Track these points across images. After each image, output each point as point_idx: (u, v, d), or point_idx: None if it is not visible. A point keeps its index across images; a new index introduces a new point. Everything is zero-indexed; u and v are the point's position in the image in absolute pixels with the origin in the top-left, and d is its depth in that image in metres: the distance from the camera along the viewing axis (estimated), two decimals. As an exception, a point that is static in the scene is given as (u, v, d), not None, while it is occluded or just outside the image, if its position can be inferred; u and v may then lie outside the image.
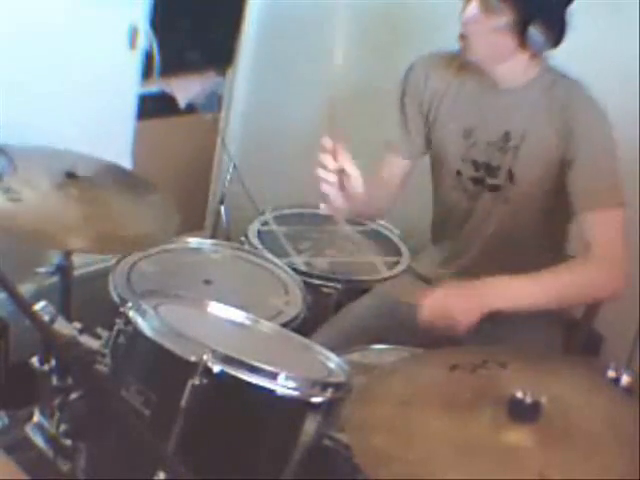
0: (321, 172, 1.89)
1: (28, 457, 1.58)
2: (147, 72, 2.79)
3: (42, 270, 2.13)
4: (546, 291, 1.84)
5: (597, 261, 1.84)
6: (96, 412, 1.49)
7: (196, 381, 1.43)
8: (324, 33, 3.00)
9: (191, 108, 3.09)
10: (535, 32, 1.83)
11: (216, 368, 1.43)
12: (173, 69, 2.92)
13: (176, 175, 3.03)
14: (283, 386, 1.47)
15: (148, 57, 2.76)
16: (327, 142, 1.90)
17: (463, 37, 1.88)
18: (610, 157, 1.88)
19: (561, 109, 1.88)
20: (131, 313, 1.57)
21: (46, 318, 1.55)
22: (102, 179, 2.11)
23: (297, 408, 1.50)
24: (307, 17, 3.03)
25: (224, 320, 1.77)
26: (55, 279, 2.14)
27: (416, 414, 1.37)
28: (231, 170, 3.10)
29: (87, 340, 1.60)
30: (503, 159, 1.95)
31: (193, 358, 1.45)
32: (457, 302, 1.79)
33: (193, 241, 2.43)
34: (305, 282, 2.32)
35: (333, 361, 1.67)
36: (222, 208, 3.07)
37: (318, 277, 2.38)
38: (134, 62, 2.72)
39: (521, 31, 1.84)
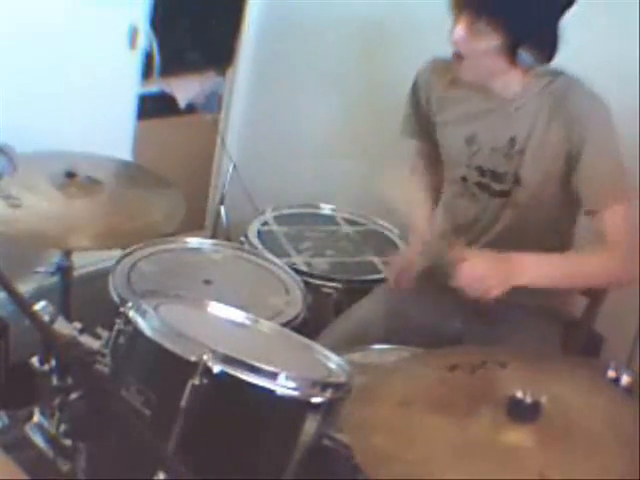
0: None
1: (28, 457, 1.58)
2: (147, 72, 2.79)
3: (42, 270, 2.13)
4: (571, 272, 1.90)
5: (615, 248, 1.86)
6: (96, 412, 1.49)
7: (196, 381, 1.43)
8: (324, 33, 3.01)
9: (191, 108, 3.09)
10: (525, 54, 1.83)
11: (216, 368, 1.43)
12: (173, 69, 2.92)
13: (176, 175, 3.02)
14: (283, 386, 1.47)
15: (148, 57, 2.76)
16: None
17: (456, 55, 1.88)
18: (615, 151, 1.87)
19: (562, 105, 1.88)
20: (131, 313, 1.57)
21: (46, 318, 1.54)
22: (103, 174, 2.11)
23: (297, 408, 1.50)
24: (307, 17, 3.03)
25: (224, 320, 1.77)
26: (55, 279, 2.14)
27: (416, 414, 1.37)
28: (231, 170, 3.10)
29: (87, 340, 1.59)
30: (509, 164, 1.94)
31: (193, 358, 1.45)
32: (493, 271, 1.80)
33: (193, 241, 2.43)
34: (305, 282, 2.32)
35: (333, 361, 1.67)
36: (222, 208, 3.07)
37: (318, 277, 2.38)
38: (134, 62, 2.72)
39: (511, 53, 1.84)
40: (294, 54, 3.09)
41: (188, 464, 1.30)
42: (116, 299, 2.09)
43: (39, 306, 1.55)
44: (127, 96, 2.77)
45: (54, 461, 1.56)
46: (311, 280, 2.36)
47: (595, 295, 2.14)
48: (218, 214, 3.09)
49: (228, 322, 1.77)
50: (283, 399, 1.47)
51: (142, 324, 1.54)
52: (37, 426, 1.59)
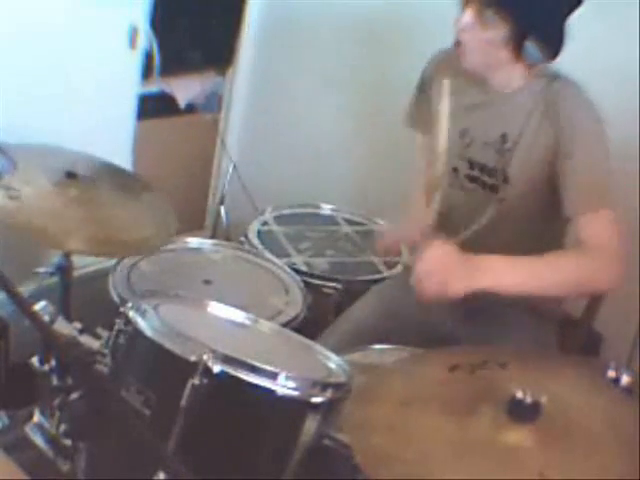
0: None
1: (28, 457, 1.58)
2: (147, 72, 2.79)
3: (42, 270, 2.13)
4: (541, 276, 1.77)
5: (593, 252, 1.79)
6: (96, 412, 1.49)
7: (196, 381, 1.43)
8: (324, 33, 3.01)
9: (191, 108, 3.09)
10: (531, 46, 1.82)
11: (216, 368, 1.43)
12: (173, 69, 2.92)
13: (176, 175, 3.03)
14: (283, 386, 1.47)
15: (148, 57, 2.76)
16: None
17: (458, 44, 1.87)
18: (602, 158, 1.85)
19: (553, 109, 1.87)
20: (131, 313, 1.57)
21: (46, 318, 1.55)
22: (102, 179, 2.11)
23: (297, 408, 1.50)
24: (307, 17, 3.03)
25: (224, 320, 1.77)
26: (55, 279, 2.14)
27: (416, 414, 1.37)
28: (231, 170, 3.10)
29: (87, 340, 1.60)
30: (500, 160, 1.94)
31: (193, 358, 1.44)
32: (452, 265, 1.71)
33: (193, 241, 2.43)
34: (305, 282, 2.32)
35: (333, 361, 1.67)
36: (222, 208, 3.07)
37: (318, 277, 2.38)
38: (134, 62, 2.72)
39: (517, 45, 1.82)
40: (294, 54, 3.10)
41: (188, 464, 1.30)
42: (116, 299, 2.09)
43: (39, 306, 1.55)
44: (127, 96, 2.77)
45: (54, 461, 1.56)
46: (311, 280, 2.36)
47: (595, 294, 2.14)
48: (218, 214, 3.10)
49: (228, 322, 1.77)
50: (283, 399, 1.47)
51: (142, 324, 1.54)
52: (37, 426, 1.59)
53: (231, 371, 1.45)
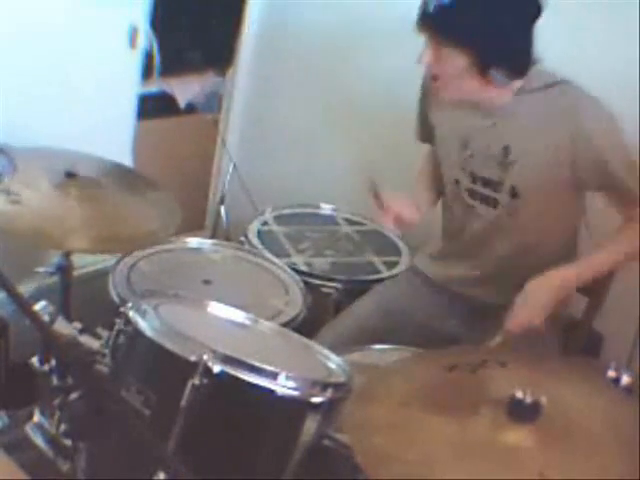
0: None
1: (28, 457, 1.58)
2: (147, 72, 2.79)
3: (42, 270, 2.13)
4: (613, 259, 1.91)
5: None
6: (96, 412, 1.49)
7: (196, 381, 1.43)
8: (324, 33, 3.01)
9: (191, 108, 3.09)
10: (497, 73, 1.81)
11: (216, 368, 1.43)
12: (173, 69, 2.92)
13: (176, 175, 3.03)
14: (283, 386, 1.47)
15: (148, 57, 2.76)
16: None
17: (434, 78, 1.88)
18: (625, 149, 1.87)
19: (559, 115, 1.86)
20: (131, 313, 1.57)
21: (46, 318, 1.55)
22: (102, 178, 2.11)
23: (297, 408, 1.50)
24: (307, 17, 3.03)
25: (224, 320, 1.77)
26: (55, 279, 2.14)
27: (416, 414, 1.37)
28: (231, 170, 3.10)
29: (87, 340, 1.60)
30: (504, 174, 1.93)
31: (193, 358, 1.45)
32: (539, 306, 1.84)
33: (193, 241, 2.43)
34: (305, 282, 2.32)
35: (333, 361, 1.67)
36: (222, 208, 3.07)
37: (318, 277, 2.38)
38: (134, 62, 2.72)
39: (481, 73, 1.82)
40: (294, 54, 3.09)
41: (188, 464, 1.30)
42: (116, 299, 2.09)
43: (39, 306, 1.55)
44: (127, 96, 2.77)
45: (54, 461, 1.56)
46: (311, 280, 2.36)
47: (595, 295, 2.14)
48: (218, 214, 3.09)
49: (228, 322, 1.77)
50: (283, 399, 1.47)
51: (142, 324, 1.54)
52: (37, 426, 1.59)
53: (231, 371, 1.45)
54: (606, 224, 1.97)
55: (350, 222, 2.78)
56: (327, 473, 1.53)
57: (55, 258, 2.13)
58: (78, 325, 1.61)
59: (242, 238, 2.56)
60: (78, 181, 2.04)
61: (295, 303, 2.22)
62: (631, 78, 2.30)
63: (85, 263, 2.51)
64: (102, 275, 2.22)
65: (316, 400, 1.49)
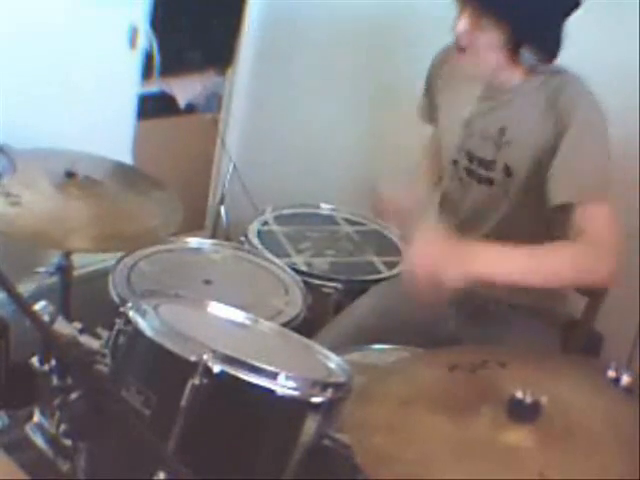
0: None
1: (28, 457, 1.58)
2: (147, 72, 2.80)
3: (42, 270, 2.13)
4: (538, 266, 1.76)
5: (590, 244, 1.76)
6: (96, 412, 1.49)
7: (196, 381, 1.43)
8: (324, 33, 3.01)
9: (191, 108, 3.09)
10: (527, 52, 1.83)
11: (216, 368, 1.43)
12: (173, 69, 2.92)
13: (176, 175, 3.03)
14: (283, 386, 1.46)
15: (148, 57, 2.76)
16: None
17: (457, 47, 1.88)
18: (602, 147, 1.84)
19: (554, 102, 1.87)
20: (131, 313, 1.57)
21: (46, 318, 1.55)
22: (103, 177, 2.11)
23: (297, 408, 1.50)
24: (307, 17, 3.03)
25: (224, 320, 1.77)
26: (55, 279, 2.14)
27: (416, 414, 1.37)
28: (231, 170, 3.10)
29: (87, 340, 1.60)
30: (498, 154, 1.95)
31: (193, 358, 1.44)
32: (446, 250, 1.69)
33: (193, 241, 2.43)
34: (305, 282, 2.32)
35: (333, 361, 1.67)
36: (222, 208, 3.07)
37: (318, 277, 2.38)
38: (134, 62, 2.72)
39: (513, 50, 1.83)
40: (294, 54, 3.10)
41: (188, 464, 1.30)
42: (116, 299, 2.09)
43: (39, 306, 1.55)
44: (127, 96, 2.77)
45: (54, 461, 1.56)
46: (311, 280, 2.36)
47: (595, 294, 2.14)
48: (218, 214, 3.10)
49: (228, 322, 1.77)
50: (283, 399, 1.47)
51: (142, 324, 1.54)
52: (37, 426, 1.59)
53: (231, 371, 1.45)
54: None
55: (350, 222, 2.78)
56: (327, 473, 1.53)
57: (55, 258, 2.14)
58: (78, 325, 1.61)
59: (242, 238, 2.56)
60: (78, 181, 2.04)
61: (295, 303, 2.22)
62: (631, 78, 2.31)
63: (85, 263, 2.51)
64: (102, 275, 2.22)
65: (316, 400, 1.49)
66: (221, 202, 3.09)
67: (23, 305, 1.36)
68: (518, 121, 1.92)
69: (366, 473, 1.32)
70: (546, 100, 1.89)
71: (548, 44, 1.85)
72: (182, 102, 3.05)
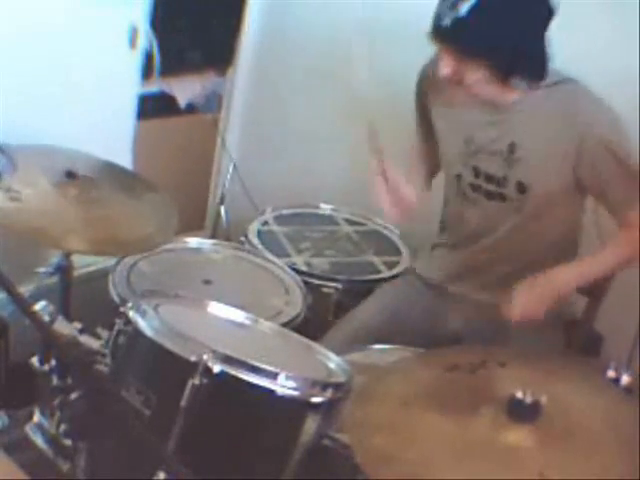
0: (377, 191, 2.00)
1: (28, 457, 1.58)
2: (147, 72, 2.79)
3: (42, 270, 2.13)
4: (601, 268, 1.96)
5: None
6: (96, 412, 1.49)
7: (196, 381, 1.43)
8: (324, 33, 3.01)
9: (191, 108, 3.09)
10: (517, 80, 1.82)
11: (216, 368, 1.43)
12: (173, 69, 2.92)
13: (176, 175, 3.03)
14: (283, 386, 1.47)
15: (148, 57, 2.75)
16: (374, 164, 1.98)
17: (453, 82, 1.87)
18: (629, 153, 1.88)
19: (567, 116, 1.86)
20: (131, 313, 1.57)
21: (46, 318, 1.55)
22: (102, 179, 2.11)
23: (297, 408, 1.50)
24: (307, 17, 3.03)
25: (224, 320, 1.77)
26: (55, 279, 2.14)
27: (416, 414, 1.37)
28: (231, 170, 3.10)
29: (87, 340, 1.60)
30: (510, 171, 1.93)
31: (193, 358, 1.45)
32: (535, 301, 1.89)
33: (193, 241, 2.43)
34: (305, 282, 2.32)
35: (333, 361, 1.67)
36: (222, 208, 3.07)
37: (318, 277, 2.38)
38: (134, 62, 2.72)
39: (501, 81, 1.83)
40: (294, 54, 3.09)
41: (188, 464, 1.30)
42: (116, 299, 2.09)
43: (39, 306, 1.55)
44: (127, 96, 2.77)
45: (54, 461, 1.56)
46: (311, 280, 2.35)
47: (595, 295, 2.14)
48: (218, 214, 3.09)
49: (228, 322, 1.77)
50: (283, 399, 1.47)
51: (142, 324, 1.54)
52: (37, 426, 1.59)
53: (231, 371, 1.45)
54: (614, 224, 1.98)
55: (350, 222, 2.78)
56: (327, 473, 1.53)
57: (55, 258, 2.13)
58: (78, 325, 1.61)
59: (242, 238, 2.56)
60: (77, 181, 2.03)
61: (295, 303, 2.22)
62: (631, 78, 2.31)
63: (85, 263, 2.51)
64: (102, 275, 2.22)
65: (316, 400, 1.49)
66: (221, 202, 3.08)
67: (23, 305, 1.36)
68: (529, 137, 1.90)
69: (366, 473, 1.32)
70: (555, 113, 1.87)
71: (535, 66, 1.84)
72: (182, 102, 3.05)
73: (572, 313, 2.17)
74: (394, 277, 2.41)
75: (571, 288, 1.97)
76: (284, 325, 1.99)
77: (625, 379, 1.42)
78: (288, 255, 2.52)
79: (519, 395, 1.31)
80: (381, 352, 1.93)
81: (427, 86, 2.06)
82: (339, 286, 2.36)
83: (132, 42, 2.65)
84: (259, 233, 2.60)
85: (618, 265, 1.99)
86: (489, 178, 1.96)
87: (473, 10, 1.74)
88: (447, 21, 1.77)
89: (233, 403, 1.49)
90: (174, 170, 3.05)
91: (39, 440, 1.58)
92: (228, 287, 2.23)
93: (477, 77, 1.82)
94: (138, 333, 1.54)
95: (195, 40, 2.98)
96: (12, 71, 2.33)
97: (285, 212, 2.76)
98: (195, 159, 3.27)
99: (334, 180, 3.01)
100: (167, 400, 1.46)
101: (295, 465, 1.50)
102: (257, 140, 3.26)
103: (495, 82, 1.83)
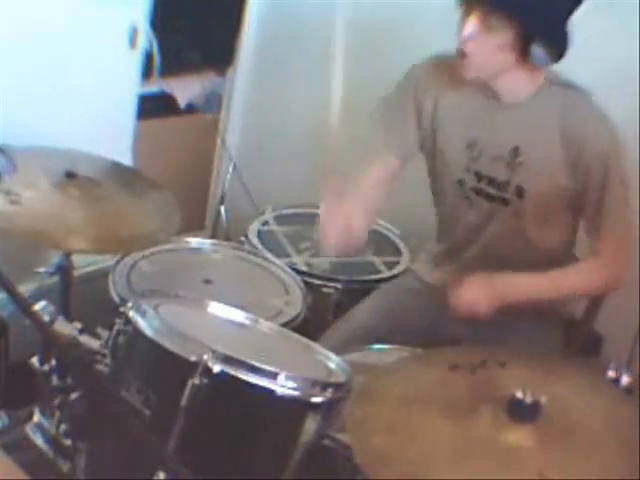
0: (325, 222, 1.92)
1: (28, 457, 1.58)
2: (147, 72, 2.79)
3: (42, 270, 2.13)
4: (557, 288, 1.97)
5: (602, 266, 1.95)
6: (96, 412, 1.49)
7: (196, 381, 1.43)
8: (324, 33, 3.01)
9: (191, 108, 3.09)
10: (537, 49, 1.81)
11: (216, 368, 1.43)
12: (173, 69, 2.92)
13: (176, 175, 3.03)
14: (283, 386, 1.47)
15: (148, 57, 2.75)
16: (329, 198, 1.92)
17: (462, 54, 1.84)
18: (621, 178, 1.89)
19: (569, 125, 1.86)
20: (131, 313, 1.57)
21: (46, 318, 1.55)
22: (102, 178, 2.11)
23: (297, 408, 1.50)
24: (307, 17, 3.03)
25: (224, 320, 1.77)
26: (55, 279, 2.14)
27: (416, 414, 1.37)
28: (231, 170, 3.10)
29: (87, 340, 1.60)
30: (512, 174, 1.93)
31: (193, 358, 1.44)
32: (483, 296, 1.89)
33: (193, 241, 2.43)
34: (305, 282, 2.32)
35: (333, 361, 1.67)
36: (222, 208, 3.07)
37: (318, 277, 2.38)
38: (134, 62, 2.72)
39: (522, 48, 1.81)
40: (294, 54, 3.09)
41: (188, 464, 1.30)
42: (116, 299, 2.09)
43: (39, 306, 1.55)
44: (127, 96, 2.77)
45: (54, 461, 1.56)
46: (311, 280, 2.36)
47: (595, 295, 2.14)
48: (218, 214, 3.09)
49: (228, 322, 1.77)
50: (283, 399, 1.47)
51: (142, 324, 1.54)
52: (37, 426, 1.59)
53: (231, 371, 1.45)
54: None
55: (350, 222, 2.77)
56: (327, 473, 1.53)
57: (55, 258, 2.13)
58: (78, 325, 1.61)
59: (242, 238, 2.56)
60: (78, 181, 2.03)
61: (295, 303, 2.22)
62: (631, 79, 2.31)
63: (85, 263, 2.50)
64: (102, 275, 2.22)
65: (316, 400, 1.49)
66: (221, 202, 3.08)
67: (23, 305, 1.36)
68: (532, 141, 1.90)
69: (366, 473, 1.32)
70: (559, 118, 1.87)
71: (558, 39, 1.82)
72: (182, 102, 3.05)
73: (572, 313, 2.17)
74: (394, 277, 2.41)
75: (521, 299, 1.95)
76: (284, 325, 1.99)
77: (625, 379, 1.43)
78: (288, 255, 2.52)
79: (519, 395, 1.31)
80: (381, 352, 1.93)
81: (423, 90, 2.02)
82: (339, 286, 2.36)
83: (132, 42, 2.65)
84: (259, 233, 2.60)
85: (580, 292, 2.03)
86: (491, 182, 1.96)
87: None
88: None
89: (233, 403, 1.49)
90: (174, 170, 3.04)
91: (39, 440, 1.58)
92: (228, 287, 2.23)
93: (499, 38, 1.80)
94: (138, 333, 1.54)
95: (195, 40, 2.98)
96: (12, 71, 2.33)
97: (285, 212, 2.76)
98: (195, 159, 3.27)
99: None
100: (167, 400, 1.46)
101: (295, 465, 1.50)
102: (257, 140, 3.26)
103: (515, 50, 1.81)
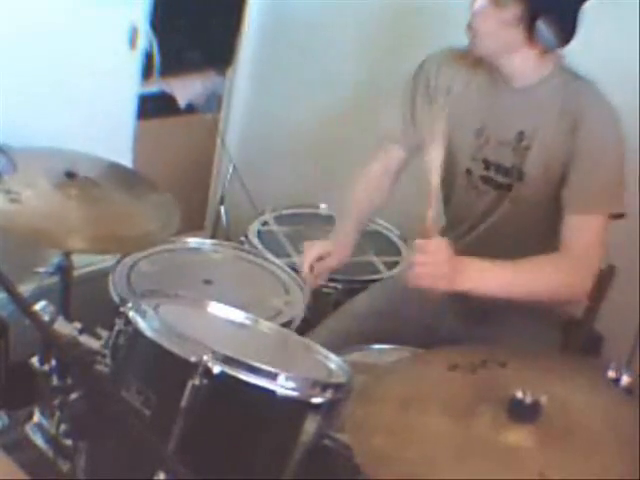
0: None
1: (28, 457, 1.58)
2: (147, 72, 2.79)
3: (42, 270, 2.13)
4: (519, 281, 1.80)
5: (573, 262, 1.82)
6: (96, 412, 1.49)
7: (196, 381, 1.43)
8: (324, 33, 3.01)
9: (191, 108, 3.09)
10: (543, 27, 1.80)
11: (216, 368, 1.43)
12: (173, 69, 2.92)
13: (176, 175, 3.03)
14: (283, 386, 1.46)
15: (148, 57, 2.76)
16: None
17: (470, 29, 1.85)
18: (610, 164, 1.85)
19: (572, 111, 1.86)
20: (131, 313, 1.57)
21: (46, 318, 1.55)
22: (102, 178, 2.11)
23: (297, 408, 1.50)
24: (307, 17, 3.03)
25: (224, 320, 1.77)
26: (55, 279, 2.14)
27: (416, 414, 1.37)
28: (231, 170, 3.10)
29: (87, 340, 1.60)
30: (515, 159, 1.93)
31: (193, 358, 1.44)
32: (444, 264, 1.72)
33: (193, 241, 2.43)
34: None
35: (333, 361, 1.67)
36: (222, 208, 3.07)
37: (318, 277, 2.38)
38: (134, 62, 2.72)
39: (530, 25, 1.80)
40: (294, 54, 3.10)
41: (188, 464, 1.30)
42: (116, 299, 2.09)
43: (39, 306, 1.55)
44: (127, 96, 2.77)
45: (54, 461, 1.56)
46: (311, 280, 2.35)
47: (595, 295, 2.14)
48: (218, 214, 3.10)
49: (228, 322, 1.77)
50: (283, 399, 1.47)
51: (142, 324, 1.54)
52: (37, 426, 1.59)
53: (231, 371, 1.45)
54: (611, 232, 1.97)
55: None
56: (327, 473, 1.53)
57: (55, 258, 2.13)
58: (78, 325, 1.61)
59: (242, 238, 2.57)
60: (78, 181, 2.03)
61: (295, 303, 2.22)
62: (631, 78, 2.31)
63: (85, 263, 2.51)
64: (102, 275, 2.23)
65: (316, 401, 1.49)
66: (221, 202, 3.09)
67: (23, 305, 1.36)
68: (535, 125, 1.90)
69: (366, 473, 1.32)
70: (562, 104, 1.87)
71: (566, 20, 1.82)
72: (182, 102, 3.05)
73: (572, 313, 2.17)
74: (393, 277, 2.41)
75: (472, 289, 1.76)
76: (284, 325, 1.99)
77: (625, 379, 1.42)
78: (288, 255, 2.52)
79: (519, 395, 1.31)
80: (381, 352, 1.93)
81: (436, 81, 2.03)
82: (339, 286, 2.36)
83: (132, 42, 2.66)
84: (259, 233, 2.60)
85: (544, 288, 1.82)
86: (498, 168, 1.96)
87: None
88: None
89: (233, 404, 1.49)
90: (174, 170, 3.05)
91: (39, 440, 1.58)
92: (228, 287, 2.23)
93: (509, 13, 1.80)
94: (138, 333, 1.54)
95: (195, 40, 2.99)
96: (12, 71, 2.33)
97: (285, 212, 2.76)
98: (195, 159, 3.28)
99: (334, 180, 3.01)
100: (167, 400, 1.46)
101: (295, 465, 1.50)
102: (257, 140, 3.26)
103: (523, 27, 1.81)
